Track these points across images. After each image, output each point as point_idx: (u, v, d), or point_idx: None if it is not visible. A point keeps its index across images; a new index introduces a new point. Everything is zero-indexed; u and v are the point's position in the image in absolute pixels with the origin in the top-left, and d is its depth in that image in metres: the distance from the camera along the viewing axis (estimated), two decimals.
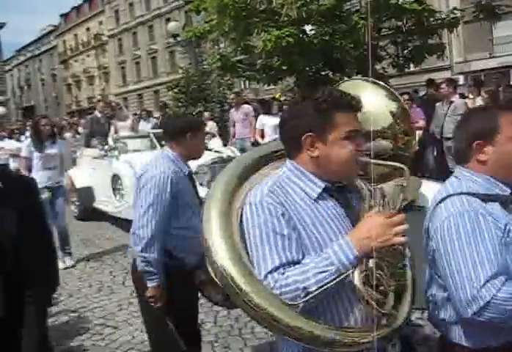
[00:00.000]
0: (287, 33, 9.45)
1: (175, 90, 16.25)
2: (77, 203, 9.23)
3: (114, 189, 8.27)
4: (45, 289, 2.06)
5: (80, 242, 7.68)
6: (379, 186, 1.73)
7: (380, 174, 1.76)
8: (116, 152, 8.39)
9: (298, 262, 1.56)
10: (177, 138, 2.90)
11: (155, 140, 8.99)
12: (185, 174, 2.91)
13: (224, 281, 1.65)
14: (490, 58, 25.19)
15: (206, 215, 1.83)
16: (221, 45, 15.42)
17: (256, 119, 10.29)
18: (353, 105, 1.66)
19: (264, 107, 10.73)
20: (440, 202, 1.75)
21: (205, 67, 14.71)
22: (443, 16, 11.18)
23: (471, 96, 9.55)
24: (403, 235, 1.52)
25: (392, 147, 2.07)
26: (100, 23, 61.14)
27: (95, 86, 63.73)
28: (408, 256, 1.73)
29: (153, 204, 2.70)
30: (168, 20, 41.28)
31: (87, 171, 9.30)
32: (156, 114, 14.26)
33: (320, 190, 1.65)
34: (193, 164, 6.71)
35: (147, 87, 53.09)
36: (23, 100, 76.58)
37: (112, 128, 10.36)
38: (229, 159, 7.29)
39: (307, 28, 10.40)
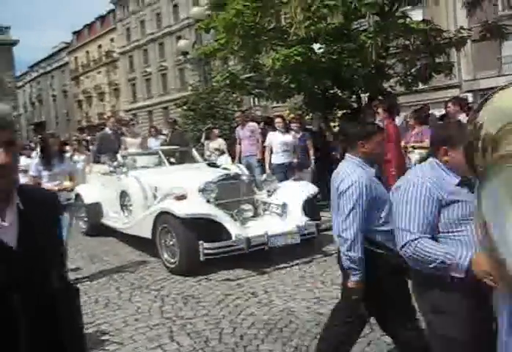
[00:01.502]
0: (295, 52, 9.51)
1: (184, 107, 16.35)
2: (85, 219, 9.28)
3: (122, 205, 8.29)
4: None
5: (87, 257, 7.71)
6: None
7: None
8: (124, 169, 8.43)
9: None
10: (355, 145, 3.21)
11: (163, 156, 9.06)
12: (374, 176, 3.21)
13: None
14: (498, 76, 25.22)
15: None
16: (230, 63, 15.56)
17: (262, 137, 10.48)
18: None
19: (270, 125, 10.88)
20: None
21: (214, 84, 14.79)
22: (450, 35, 11.23)
23: None
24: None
25: None
26: (112, 40, 61.89)
27: (106, 103, 64.29)
28: None
29: (354, 208, 3.00)
30: (178, 37, 41.77)
31: (96, 187, 9.35)
32: (165, 131, 14.33)
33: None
34: (200, 181, 6.66)
35: (157, 104, 53.49)
36: (34, 115, 77.27)
37: (122, 145, 10.42)
38: (237, 176, 7.35)
39: (315, 46, 10.47)
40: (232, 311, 5.00)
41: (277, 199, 7.26)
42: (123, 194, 8.22)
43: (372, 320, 4.41)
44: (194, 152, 9.89)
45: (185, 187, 6.94)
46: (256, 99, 22.10)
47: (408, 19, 10.00)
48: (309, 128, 11.11)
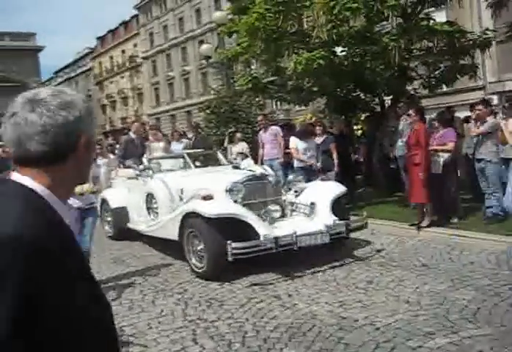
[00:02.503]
0: (317, 55, 9.49)
1: (207, 111, 16.43)
2: (111, 223, 9.34)
3: (148, 208, 8.31)
4: None
5: (111, 260, 7.78)
6: None
7: None
8: (150, 172, 8.44)
9: None
10: None
11: (188, 159, 9.05)
12: None
13: None
14: None
15: None
16: (252, 67, 15.59)
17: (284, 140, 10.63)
18: None
19: (290, 130, 10.93)
20: None
21: (236, 88, 14.83)
22: (475, 37, 11.10)
23: (503, 116, 9.42)
24: None
25: None
26: (135, 45, 62.51)
27: (129, 107, 64.90)
28: None
29: None
30: (201, 42, 42.01)
31: (122, 191, 9.37)
32: (189, 135, 14.41)
33: None
34: (227, 182, 6.86)
35: (180, 108, 53.85)
36: None
37: (146, 149, 10.47)
38: (263, 177, 7.30)
39: (338, 50, 10.45)
40: (256, 314, 5.00)
41: (305, 199, 7.19)
42: (149, 197, 8.23)
43: (393, 323, 4.38)
44: (219, 155, 9.85)
45: (211, 188, 6.94)
46: (278, 102, 22.11)
47: (431, 21, 9.90)
48: (331, 132, 11.06)
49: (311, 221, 6.83)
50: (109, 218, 9.40)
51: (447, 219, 8.23)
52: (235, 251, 5.88)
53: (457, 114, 11.74)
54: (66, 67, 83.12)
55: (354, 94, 12.14)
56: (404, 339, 4.15)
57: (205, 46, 17.42)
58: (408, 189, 8.75)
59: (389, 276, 5.90)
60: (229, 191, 6.78)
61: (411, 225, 8.21)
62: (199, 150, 10.68)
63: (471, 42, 10.74)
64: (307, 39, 10.35)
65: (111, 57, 68.05)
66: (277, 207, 7.06)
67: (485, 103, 8.79)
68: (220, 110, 15.30)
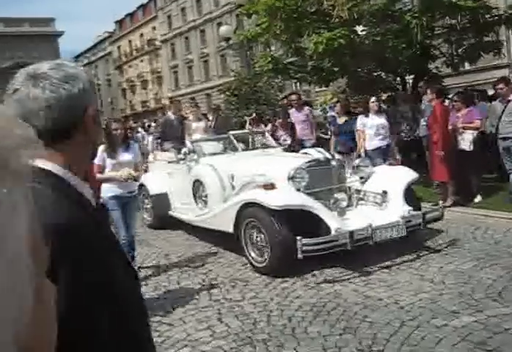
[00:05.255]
0: (338, 34, 9.40)
1: (227, 93, 16.41)
2: (151, 211, 8.62)
3: (195, 196, 7.51)
4: None
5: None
6: None
7: None
8: (195, 156, 7.71)
9: None
10: None
11: (235, 142, 8.19)
12: None
13: None
14: None
15: None
16: (272, 48, 15.49)
17: None
18: None
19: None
20: None
21: (256, 69, 14.77)
22: (500, 12, 10.86)
23: None
24: None
25: None
26: (154, 28, 62.43)
27: (149, 91, 65.07)
28: None
29: None
30: (219, 24, 41.72)
31: (161, 176, 8.56)
32: (210, 117, 14.41)
33: None
34: (289, 168, 6.19)
35: (200, 91, 53.82)
36: None
37: (186, 130, 9.85)
38: (327, 161, 6.57)
39: (359, 29, 10.33)
40: (280, 293, 5.04)
41: (374, 187, 6.42)
42: (197, 184, 7.42)
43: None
44: (268, 136, 9.02)
45: (269, 174, 6.24)
46: (298, 83, 21.96)
47: None
48: (357, 112, 10.92)
49: (383, 212, 6.12)
50: (148, 206, 8.69)
51: (471, 199, 8.19)
52: (305, 248, 5.22)
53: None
54: (85, 51, 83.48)
55: (375, 74, 12.01)
56: (429, 317, 4.15)
57: (224, 27, 17.35)
58: (430, 168, 8.73)
59: (412, 256, 5.89)
60: (292, 178, 6.04)
61: (434, 205, 8.17)
62: (244, 131, 10.00)
63: (495, 18, 10.54)
64: (327, 19, 10.23)
65: (130, 41, 68.10)
66: (344, 196, 6.25)
67: (506, 80, 8.66)
68: (240, 91, 15.26)
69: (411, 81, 11.90)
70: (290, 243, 5.28)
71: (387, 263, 5.69)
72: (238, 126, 13.80)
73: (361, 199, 6.48)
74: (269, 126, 10.72)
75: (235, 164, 7.12)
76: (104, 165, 5.71)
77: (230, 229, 6.13)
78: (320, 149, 8.11)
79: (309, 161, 6.36)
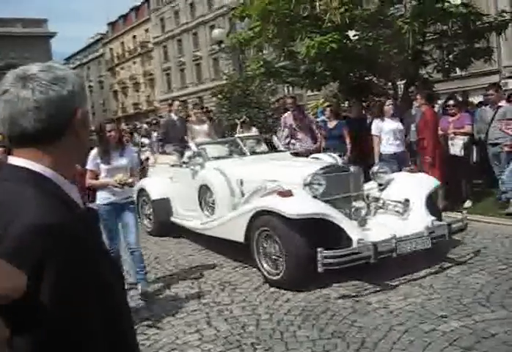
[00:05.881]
0: (330, 39, 9.41)
1: (219, 96, 16.39)
2: (151, 217, 8.27)
3: (200, 202, 7.05)
4: None
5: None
6: None
7: None
8: (200, 160, 7.22)
9: None
10: None
11: (242, 145, 7.74)
12: None
13: None
14: None
15: None
16: (265, 51, 15.50)
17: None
18: None
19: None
20: None
21: (248, 73, 14.77)
22: (491, 19, 10.94)
23: None
24: None
25: None
26: (146, 30, 62.40)
27: (141, 93, 64.97)
28: None
29: None
30: (212, 27, 41.78)
31: (163, 180, 8.12)
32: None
33: None
34: (304, 174, 5.69)
35: (192, 93, 53.81)
36: None
37: (188, 133, 9.27)
38: (344, 167, 6.16)
39: (351, 33, 10.35)
40: (269, 297, 5.04)
41: (393, 194, 6.06)
42: (203, 189, 6.94)
43: (410, 307, 4.40)
44: (275, 139, 8.55)
45: (282, 180, 5.85)
46: (290, 87, 21.99)
47: (446, 3, 9.76)
48: (348, 116, 10.94)
49: (404, 222, 5.75)
50: (148, 211, 8.32)
51: (461, 203, 8.24)
52: (326, 261, 4.85)
53: (471, 99, 11.64)
54: (78, 53, 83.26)
55: (367, 79, 12.05)
56: (417, 322, 4.16)
57: (217, 31, 17.35)
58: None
59: (401, 260, 5.89)
60: (309, 184, 5.62)
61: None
62: (251, 134, 9.64)
63: (486, 24, 10.59)
64: (320, 23, 10.24)
65: (123, 43, 68.02)
66: (363, 204, 5.89)
67: (497, 86, 8.76)
68: (232, 95, 15.25)
69: (402, 86, 11.94)
70: (308, 254, 4.94)
71: (375, 268, 5.69)
72: (229, 129, 13.78)
73: (380, 207, 6.09)
74: (286, 130, 9.81)
75: (243, 169, 6.74)
76: (98, 171, 5.34)
77: (241, 239, 5.74)
78: (332, 154, 7.73)
79: (326, 167, 5.98)
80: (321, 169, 5.83)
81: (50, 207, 1.12)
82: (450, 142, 8.30)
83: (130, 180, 5.25)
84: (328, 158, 7.17)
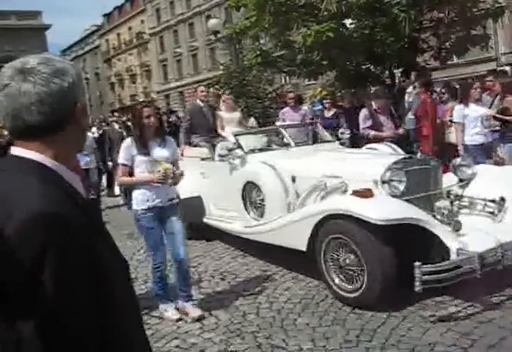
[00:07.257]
0: (326, 28, 9.41)
1: (216, 86, 16.34)
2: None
3: (244, 201, 6.09)
4: None
5: (125, 236, 7.75)
6: None
7: None
8: (241, 152, 6.27)
9: None
10: None
11: (287, 135, 6.78)
12: None
13: None
14: None
15: None
16: (261, 41, 15.46)
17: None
18: None
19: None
20: None
21: (245, 62, 14.73)
22: (487, 6, 10.92)
23: None
24: None
25: None
26: (142, 21, 62.06)
27: (138, 84, 64.76)
28: None
29: None
30: (208, 17, 41.54)
31: (194, 176, 6.83)
32: None
33: None
34: (379, 169, 4.79)
35: (189, 84, 53.63)
36: None
37: (217, 122, 8.28)
38: (425, 160, 5.07)
39: (347, 22, 10.34)
40: (269, 286, 5.08)
41: (479, 192, 5.06)
42: (248, 187, 6.00)
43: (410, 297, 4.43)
44: (320, 128, 7.54)
45: (346, 176, 5.01)
46: (287, 77, 21.96)
47: None
48: (341, 105, 10.97)
49: (501, 225, 4.78)
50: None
51: None
52: (426, 278, 3.89)
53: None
54: (73, 45, 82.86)
55: (364, 67, 12.04)
56: (416, 309, 4.20)
57: (213, 21, 17.30)
58: None
59: None
60: (389, 181, 4.74)
61: None
62: (295, 123, 8.69)
63: (483, 11, 10.59)
64: (316, 12, 10.24)
65: (119, 34, 67.68)
66: (447, 204, 4.90)
67: (495, 74, 8.78)
68: (229, 85, 15.21)
69: (399, 75, 11.94)
70: (396, 267, 4.13)
71: None
72: None
73: (465, 207, 5.09)
74: (364, 111, 8.00)
75: (295, 163, 5.83)
76: (132, 165, 4.39)
77: (302, 247, 4.79)
78: (390, 144, 6.67)
79: (403, 160, 5.03)
80: (396, 162, 4.90)
81: (53, 196, 1.13)
82: (447, 130, 8.31)
83: (178, 171, 4.37)
84: (387, 149, 6.22)
